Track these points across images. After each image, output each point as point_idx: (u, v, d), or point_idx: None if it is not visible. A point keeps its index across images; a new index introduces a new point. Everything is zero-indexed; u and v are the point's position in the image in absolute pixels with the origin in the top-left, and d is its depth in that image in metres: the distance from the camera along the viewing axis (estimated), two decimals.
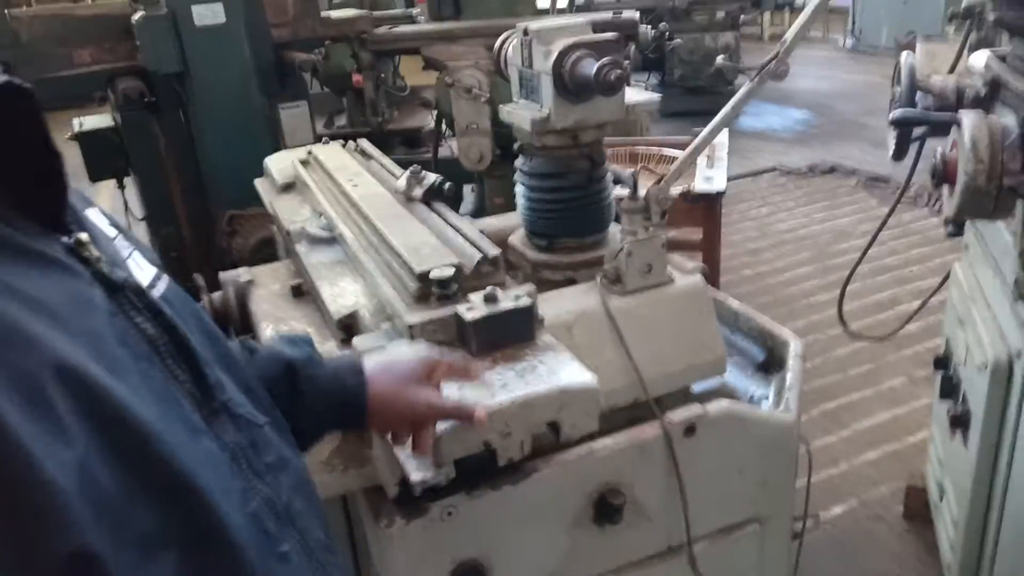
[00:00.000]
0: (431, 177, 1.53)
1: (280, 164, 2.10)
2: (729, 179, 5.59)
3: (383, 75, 4.18)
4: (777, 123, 7.33)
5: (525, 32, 1.45)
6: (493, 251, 1.23)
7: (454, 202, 1.66)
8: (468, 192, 4.64)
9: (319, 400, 0.89)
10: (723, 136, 3.06)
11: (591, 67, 1.33)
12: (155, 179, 3.40)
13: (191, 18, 3.06)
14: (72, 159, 3.71)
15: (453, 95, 2.98)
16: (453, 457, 0.95)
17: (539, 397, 0.98)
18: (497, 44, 1.60)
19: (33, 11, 3.51)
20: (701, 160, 2.85)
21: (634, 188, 1.41)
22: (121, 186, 3.52)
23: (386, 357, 0.97)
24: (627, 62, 1.47)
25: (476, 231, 1.32)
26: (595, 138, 1.52)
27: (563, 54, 1.38)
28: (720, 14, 6.95)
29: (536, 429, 1.00)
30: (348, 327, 1.27)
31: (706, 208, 2.51)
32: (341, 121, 6.08)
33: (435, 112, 4.00)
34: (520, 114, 1.49)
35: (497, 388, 0.99)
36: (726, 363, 1.47)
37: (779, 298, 4.04)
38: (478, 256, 1.21)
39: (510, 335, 1.07)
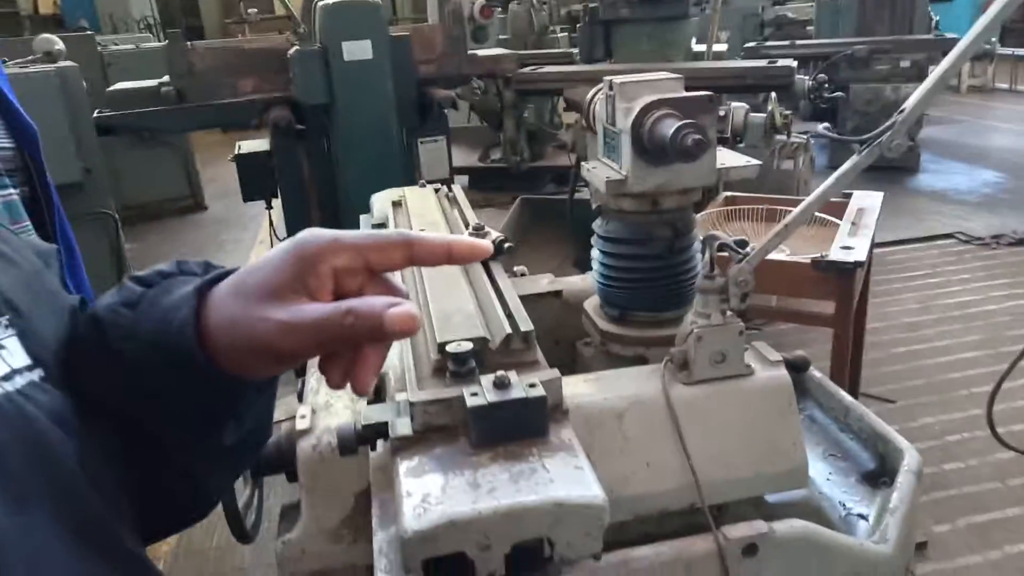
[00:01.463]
0: (493, 234, 1.45)
1: (381, 201, 2.10)
2: (895, 243, 5.09)
3: (525, 114, 4.19)
4: (962, 183, 6.61)
5: (610, 86, 1.34)
6: (526, 326, 1.12)
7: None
8: None
9: (142, 357, 0.60)
10: (872, 200, 2.76)
11: (669, 128, 1.20)
12: (298, 203, 3.57)
13: (341, 53, 3.19)
14: (231, 180, 4.00)
15: (588, 138, 2.90)
16: (421, 558, 0.84)
17: (527, 509, 0.86)
18: (588, 96, 1.50)
19: (206, 44, 3.82)
20: (845, 224, 2.57)
21: (711, 265, 1.25)
22: (269, 207, 3.72)
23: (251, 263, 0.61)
24: (721, 115, 1.32)
25: (517, 301, 1.22)
26: (678, 204, 1.38)
27: (643, 112, 1.26)
28: (904, 63, 6.39)
29: (524, 542, 0.87)
30: (377, 389, 1.20)
31: (840, 280, 2.25)
32: (497, 155, 6.18)
33: (573, 154, 3.94)
34: (598, 173, 1.37)
35: (483, 491, 0.87)
36: (807, 476, 1.26)
37: (934, 383, 3.57)
38: (507, 331, 1.10)
39: (517, 429, 0.95)
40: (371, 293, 0.58)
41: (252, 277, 0.58)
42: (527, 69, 3.70)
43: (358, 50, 3.22)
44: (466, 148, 6.29)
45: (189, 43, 3.51)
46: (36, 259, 0.66)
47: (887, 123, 1.14)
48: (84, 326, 0.63)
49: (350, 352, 0.58)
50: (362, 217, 2.16)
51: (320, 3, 3.26)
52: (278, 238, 3.72)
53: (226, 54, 3.42)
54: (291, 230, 3.67)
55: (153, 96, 3.34)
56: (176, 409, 0.62)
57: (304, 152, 3.46)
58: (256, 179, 3.65)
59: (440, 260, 0.59)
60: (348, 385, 0.59)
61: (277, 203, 3.74)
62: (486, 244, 0.63)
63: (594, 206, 1.46)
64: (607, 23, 3.98)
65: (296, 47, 3.22)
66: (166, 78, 3.37)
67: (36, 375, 0.57)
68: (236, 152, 3.66)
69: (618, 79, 1.34)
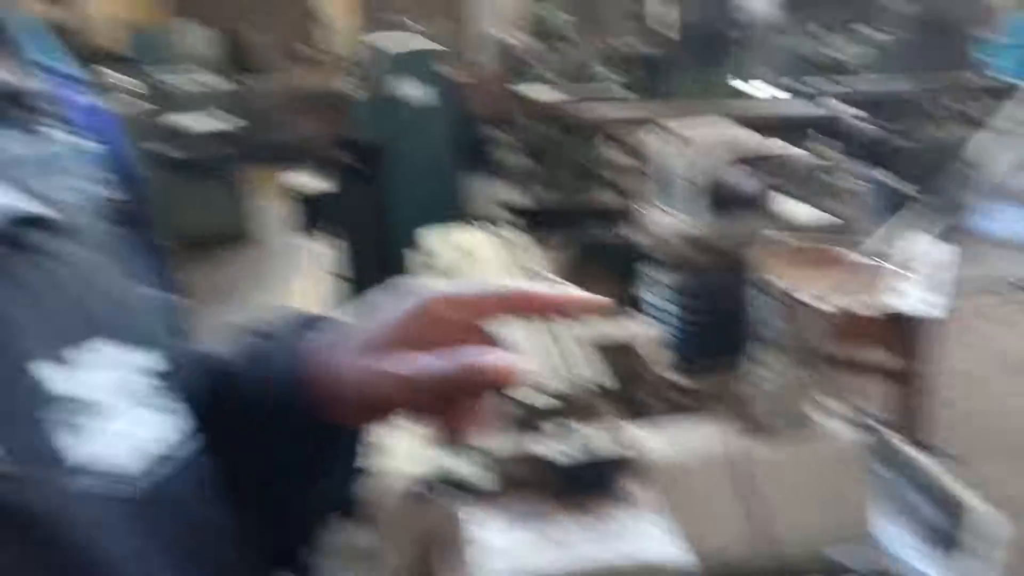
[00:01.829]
0: (570, 287, 1.46)
1: (436, 240, 2.15)
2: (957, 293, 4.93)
3: (573, 153, 4.25)
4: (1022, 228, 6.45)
5: (668, 132, 1.36)
6: (604, 380, 1.13)
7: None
8: None
9: (249, 407, 0.61)
10: (945, 252, 2.70)
11: (736, 181, 1.21)
12: (351, 238, 3.64)
13: (398, 95, 3.28)
14: (281, 212, 4.08)
15: (640, 179, 2.92)
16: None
17: (613, 569, 0.86)
18: (642, 139, 1.52)
19: (267, 83, 3.94)
20: (915, 273, 2.53)
21: (787, 318, 1.25)
22: (321, 241, 3.80)
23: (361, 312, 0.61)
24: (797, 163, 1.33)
25: (592, 351, 1.23)
26: (747, 254, 1.38)
27: (706, 162, 1.27)
28: (958, 107, 6.30)
29: None
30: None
31: (909, 332, 2.20)
32: (545, 193, 6.20)
33: (622, 195, 3.96)
34: (662, 222, 1.38)
35: (565, 548, 0.88)
36: (874, 535, 1.24)
37: (1012, 445, 3.42)
38: (587, 384, 1.11)
39: (598, 485, 0.96)
40: (473, 343, 0.59)
41: (366, 329, 0.58)
42: (576, 108, 3.75)
43: (415, 92, 3.30)
44: (512, 185, 6.35)
45: (250, 81, 3.63)
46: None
47: (959, 179, 1.13)
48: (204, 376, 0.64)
49: (455, 403, 0.59)
50: (412, 254, 2.20)
51: (380, 47, 3.36)
52: (330, 273, 3.79)
53: (287, 94, 3.54)
54: (344, 265, 3.73)
55: (214, 132, 3.46)
56: (277, 460, 0.62)
57: (359, 189, 3.53)
58: (310, 214, 3.73)
59: (552, 314, 0.59)
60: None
61: (327, 236, 3.82)
62: (601, 300, 0.62)
63: (653, 252, 1.47)
64: (655, 63, 4.03)
65: (355, 88, 3.31)
66: (226, 114, 3.49)
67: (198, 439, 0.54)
68: (289, 186, 3.75)
69: (679, 126, 1.36)
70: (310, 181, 3.84)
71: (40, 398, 0.42)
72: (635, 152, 3.22)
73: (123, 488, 0.44)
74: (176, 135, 3.45)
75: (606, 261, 4.14)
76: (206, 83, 7.00)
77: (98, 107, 1.02)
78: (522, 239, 1.98)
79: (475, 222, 2.13)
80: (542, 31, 5.99)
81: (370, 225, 3.55)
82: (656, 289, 1.48)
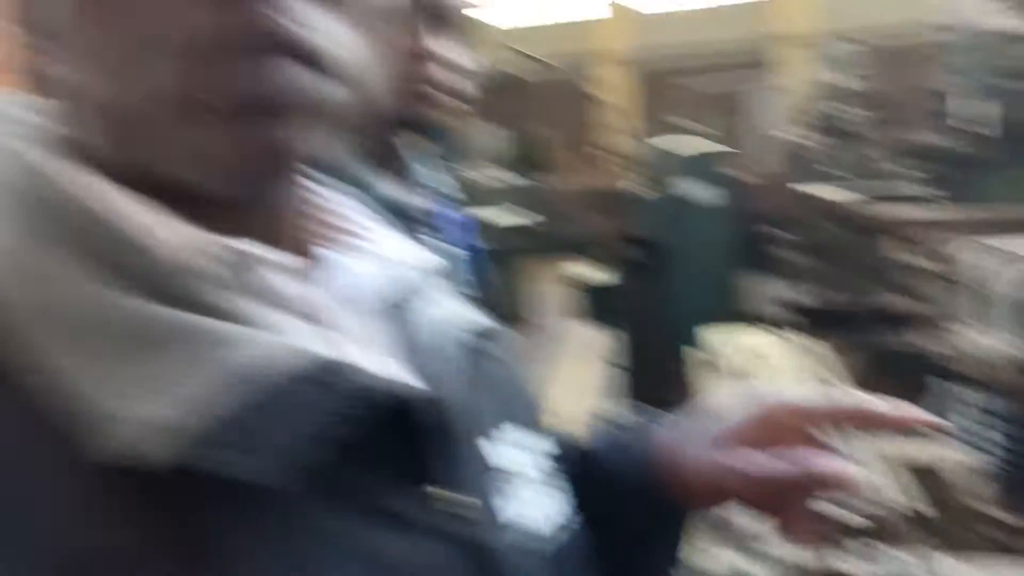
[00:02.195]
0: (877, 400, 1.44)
1: (721, 341, 2.19)
2: None
3: (864, 255, 4.05)
4: None
5: (986, 243, 1.31)
6: (917, 505, 1.10)
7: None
8: None
9: (608, 486, 0.69)
10: None
11: None
12: (632, 330, 3.78)
13: (685, 196, 3.42)
14: (556, 298, 4.35)
15: (945, 290, 2.75)
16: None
17: None
18: (946, 243, 1.47)
19: (564, 182, 4.31)
20: None
21: None
22: (603, 331, 3.99)
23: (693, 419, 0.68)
24: None
25: (905, 473, 1.20)
26: None
27: None
28: None
29: None
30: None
31: None
32: (830, 294, 5.94)
33: (923, 303, 3.69)
34: (970, 336, 1.33)
35: None
36: None
37: None
38: (900, 508, 1.10)
39: None
40: (808, 449, 0.65)
41: (719, 428, 0.65)
42: (869, 209, 3.61)
43: (701, 194, 3.42)
44: (797, 286, 6.15)
45: (542, 178, 4.00)
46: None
47: None
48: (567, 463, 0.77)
49: (788, 502, 0.65)
50: (698, 355, 2.27)
51: (667, 148, 3.55)
52: (608, 362, 3.95)
53: (581, 191, 3.84)
54: (622, 354, 3.88)
55: (515, 225, 3.84)
56: (627, 533, 0.70)
57: (640, 283, 3.69)
58: (593, 304, 3.96)
59: (886, 429, 0.63)
60: None
61: (604, 325, 4.00)
62: (931, 419, 0.65)
63: (965, 371, 1.40)
64: (964, 162, 3.75)
65: (643, 189, 3.51)
66: (527, 211, 3.86)
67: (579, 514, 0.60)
68: (572, 277, 4.01)
69: (1013, 244, 1.31)
70: (592, 273, 4.09)
71: (486, 467, 0.52)
72: (936, 257, 3.02)
73: (539, 545, 0.54)
74: (483, 228, 3.86)
75: (896, 370, 3.85)
76: (503, 179, 7.74)
77: (462, 218, 1.24)
78: (810, 343, 1.97)
79: (758, 323, 2.15)
80: (828, 128, 5.86)
81: (648, 318, 3.67)
82: (969, 411, 1.41)
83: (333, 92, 0.37)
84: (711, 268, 3.46)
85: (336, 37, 0.37)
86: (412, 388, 0.44)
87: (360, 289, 0.47)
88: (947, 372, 2.49)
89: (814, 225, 4.39)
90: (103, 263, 0.36)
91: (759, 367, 1.89)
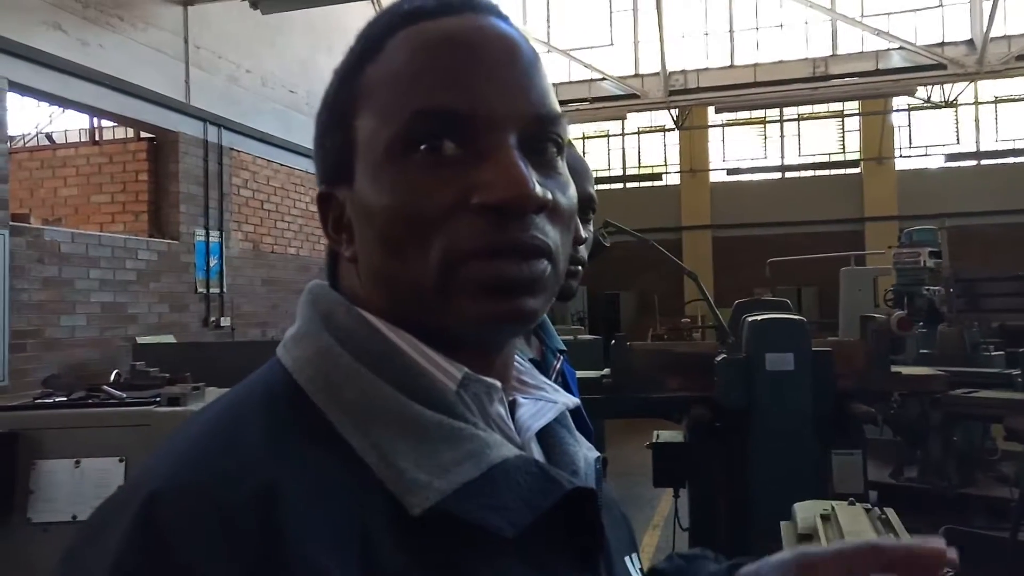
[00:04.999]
0: None
1: (805, 512, 2.18)
2: None
3: (955, 437, 3.91)
4: None
5: None
6: None
7: None
8: None
9: None
10: None
11: None
12: (706, 496, 3.73)
13: (764, 364, 3.47)
14: (644, 463, 4.34)
15: None
16: None
17: None
18: None
19: (645, 346, 4.41)
20: None
21: None
22: (676, 495, 3.94)
23: (761, 562, 0.78)
24: None
25: None
26: None
27: None
28: None
29: None
30: None
31: None
32: (912, 472, 5.72)
33: (1015, 489, 3.53)
34: None
35: None
36: None
37: None
38: None
39: None
40: None
41: (778, 567, 0.75)
42: (959, 391, 3.56)
43: (780, 361, 3.47)
44: (876, 462, 5.94)
45: (629, 343, 4.12)
46: None
47: None
48: None
49: None
50: (783, 524, 2.25)
51: (749, 318, 3.64)
52: (681, 527, 3.88)
53: (660, 355, 3.94)
54: (694, 520, 3.81)
55: (593, 383, 3.93)
56: None
57: (718, 450, 3.68)
58: (668, 467, 3.93)
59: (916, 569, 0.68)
60: None
61: (684, 492, 3.95)
62: (950, 554, 0.68)
63: None
64: None
65: (723, 355, 3.59)
66: (607, 370, 3.96)
67: None
68: (654, 440, 4.02)
69: None
70: (671, 435, 4.10)
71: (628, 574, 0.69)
72: None
73: None
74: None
75: (987, 557, 3.63)
76: (583, 339, 7.89)
77: (571, 372, 1.42)
78: (898, 523, 1.95)
79: (842, 499, 2.14)
80: (917, 309, 5.84)
81: (728, 484, 3.63)
82: None
83: (555, 277, 0.58)
84: (790, 437, 3.44)
85: (555, 238, 0.57)
86: (584, 484, 0.60)
87: (529, 418, 0.65)
88: None
89: (902, 403, 4.31)
90: (400, 382, 0.56)
91: (828, 531, 1.88)
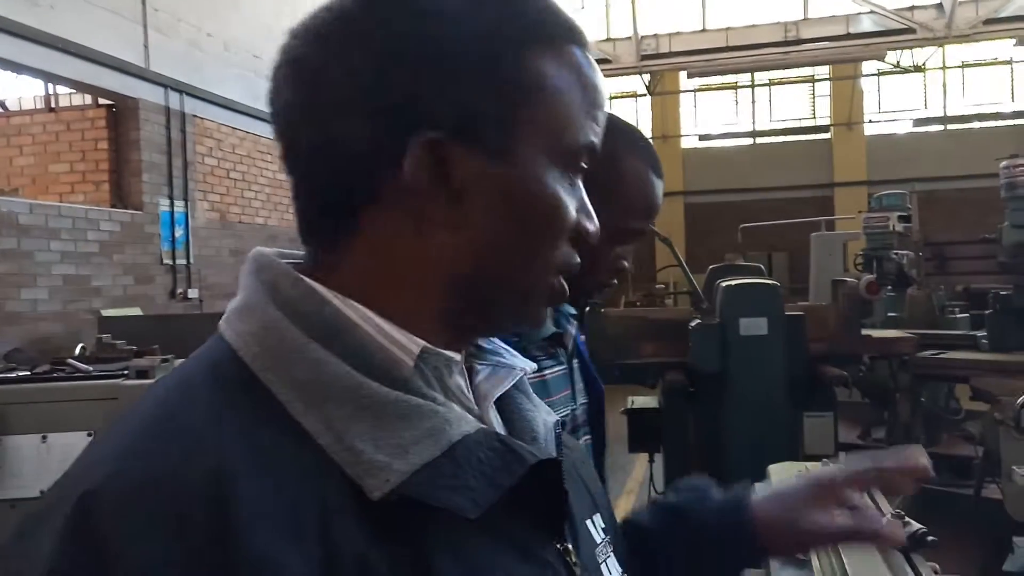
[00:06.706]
0: (914, 526, 1.45)
1: (781, 474, 2.19)
2: None
3: (922, 398, 3.98)
4: None
5: None
6: None
7: None
8: None
9: (705, 544, 0.86)
10: None
11: None
12: (680, 461, 3.76)
13: (737, 328, 3.48)
14: (619, 429, 4.37)
15: (1002, 433, 2.72)
16: None
17: None
18: (997, 389, 1.51)
19: (620, 312, 4.41)
20: None
21: None
22: (651, 460, 3.97)
23: (773, 487, 0.90)
24: None
25: None
26: None
27: None
28: None
29: None
30: None
31: None
32: (879, 434, 5.83)
33: (979, 447, 3.61)
34: None
35: None
36: None
37: None
38: None
39: None
40: (854, 510, 0.84)
41: (790, 492, 0.87)
42: (926, 353, 3.61)
43: (753, 326, 3.48)
44: (845, 423, 6.05)
45: (603, 310, 4.11)
46: None
47: None
48: (653, 516, 0.92)
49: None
50: (757, 486, 2.27)
51: (723, 283, 3.65)
52: (655, 490, 3.91)
53: (634, 321, 3.93)
54: (669, 484, 3.84)
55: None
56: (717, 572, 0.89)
57: (692, 414, 3.70)
58: (642, 433, 3.95)
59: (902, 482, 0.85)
60: None
61: (658, 457, 3.98)
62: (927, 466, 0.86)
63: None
64: (1018, 308, 3.75)
65: (697, 320, 3.59)
66: (582, 337, 3.95)
67: None
68: (628, 406, 4.03)
69: None
70: (646, 400, 4.11)
71: (595, 544, 0.69)
72: (998, 403, 2.99)
73: None
74: None
75: (952, 514, 3.72)
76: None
77: (579, 336, 1.40)
78: None
79: (814, 460, 2.15)
80: (886, 271, 5.91)
81: (702, 448, 3.66)
82: None
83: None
84: (763, 402, 3.47)
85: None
86: (548, 455, 0.60)
87: (487, 386, 0.65)
88: (1004, 517, 2.43)
89: (870, 365, 4.37)
90: (354, 358, 0.53)
91: None
